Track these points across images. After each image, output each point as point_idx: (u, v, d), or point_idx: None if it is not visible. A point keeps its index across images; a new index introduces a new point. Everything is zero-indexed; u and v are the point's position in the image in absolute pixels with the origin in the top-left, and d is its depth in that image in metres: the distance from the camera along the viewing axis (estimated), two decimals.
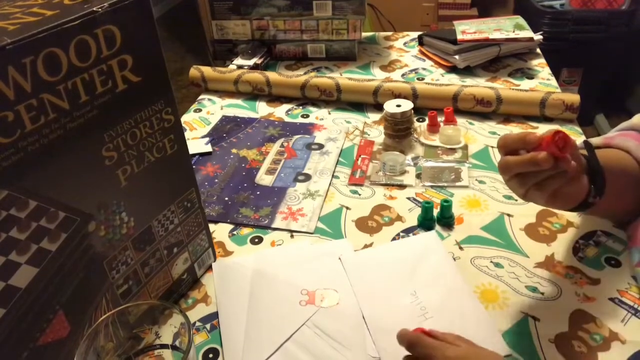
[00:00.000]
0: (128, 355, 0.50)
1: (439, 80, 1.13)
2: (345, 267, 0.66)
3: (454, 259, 0.67)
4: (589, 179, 0.56)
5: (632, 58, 2.20)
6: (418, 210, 0.76)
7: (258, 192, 0.82)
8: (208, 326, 0.61)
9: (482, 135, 0.93)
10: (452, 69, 1.17)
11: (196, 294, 0.66)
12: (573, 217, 0.72)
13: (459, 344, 0.49)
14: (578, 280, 0.63)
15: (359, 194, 0.81)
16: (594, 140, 0.68)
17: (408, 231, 0.73)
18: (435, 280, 0.64)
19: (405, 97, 0.98)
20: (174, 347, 0.50)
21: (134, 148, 0.52)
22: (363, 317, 0.60)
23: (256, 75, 1.11)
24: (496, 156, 0.87)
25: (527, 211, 0.74)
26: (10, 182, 0.40)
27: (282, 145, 0.95)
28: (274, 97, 1.12)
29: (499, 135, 0.93)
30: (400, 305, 0.61)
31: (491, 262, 0.67)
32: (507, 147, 0.54)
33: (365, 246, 0.71)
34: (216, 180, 0.86)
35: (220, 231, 0.75)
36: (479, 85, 1.03)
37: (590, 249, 0.67)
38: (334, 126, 1.00)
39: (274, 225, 0.75)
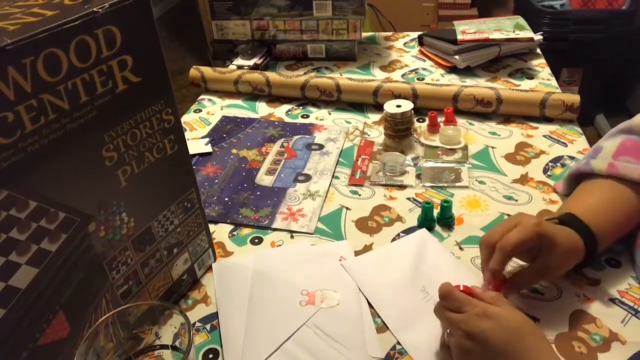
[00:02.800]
0: (128, 356, 0.50)
1: (439, 80, 1.13)
2: (350, 273, 0.66)
3: (455, 259, 0.67)
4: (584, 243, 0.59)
5: (632, 58, 2.20)
6: (418, 211, 0.76)
7: (258, 193, 0.82)
8: (208, 327, 0.61)
9: (482, 136, 0.93)
10: (452, 69, 1.17)
11: (196, 295, 0.66)
12: None
13: (496, 304, 0.51)
14: (578, 280, 0.63)
15: (359, 195, 0.81)
16: (598, 167, 0.66)
17: (408, 232, 0.73)
18: (439, 274, 0.65)
19: (405, 98, 0.98)
20: (174, 348, 0.50)
21: (134, 148, 0.52)
22: (362, 318, 0.60)
23: (256, 76, 1.11)
24: (497, 156, 0.87)
25: (527, 212, 0.74)
26: (11, 183, 0.40)
27: (282, 146, 0.95)
28: (274, 98, 1.12)
29: (499, 135, 0.93)
30: (414, 302, 0.62)
31: None
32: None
33: (365, 247, 0.71)
34: (216, 181, 0.86)
35: (220, 231, 0.75)
36: (479, 86, 1.03)
37: None
38: (334, 126, 1.00)
39: (274, 226, 0.75)
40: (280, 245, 0.72)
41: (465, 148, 0.89)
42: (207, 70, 1.15)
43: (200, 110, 1.09)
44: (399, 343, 0.57)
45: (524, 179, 0.81)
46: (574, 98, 0.94)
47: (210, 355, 0.58)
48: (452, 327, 0.51)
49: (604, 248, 0.63)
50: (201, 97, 1.15)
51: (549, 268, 0.58)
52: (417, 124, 0.96)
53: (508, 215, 0.74)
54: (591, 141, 0.84)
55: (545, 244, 0.56)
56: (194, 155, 0.92)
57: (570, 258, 0.58)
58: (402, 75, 1.17)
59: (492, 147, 0.89)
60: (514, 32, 1.15)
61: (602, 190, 0.65)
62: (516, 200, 0.77)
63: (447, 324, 0.52)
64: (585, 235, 0.59)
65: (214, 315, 0.63)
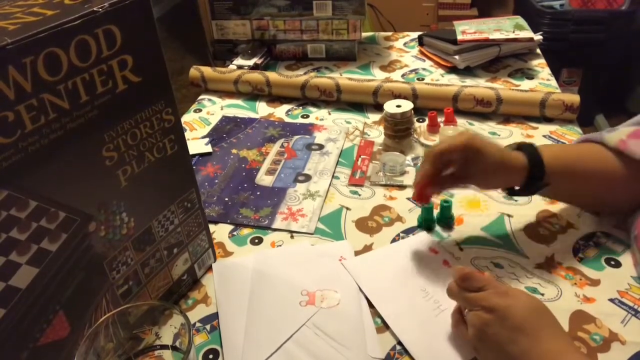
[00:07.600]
0: (128, 356, 0.50)
1: (439, 80, 1.13)
2: (350, 272, 0.66)
3: (455, 259, 0.67)
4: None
5: (632, 58, 2.20)
6: (418, 211, 0.76)
7: (258, 193, 0.82)
8: (208, 327, 0.61)
9: None
10: (452, 69, 1.17)
11: (196, 295, 0.66)
12: (573, 217, 0.72)
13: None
14: (578, 281, 0.63)
15: (359, 195, 0.81)
16: (609, 138, 0.66)
17: (408, 232, 0.73)
18: (439, 275, 0.65)
19: (405, 98, 0.98)
20: (174, 348, 0.50)
21: (134, 148, 0.52)
22: (362, 318, 0.60)
23: (256, 76, 1.10)
24: None
25: (527, 212, 0.74)
26: (11, 182, 0.40)
27: (282, 146, 0.94)
28: (274, 98, 1.12)
29: (499, 135, 0.93)
30: (415, 301, 0.62)
31: (491, 262, 0.67)
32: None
33: (365, 247, 0.71)
34: (216, 181, 0.86)
35: (220, 232, 0.75)
36: (479, 86, 1.03)
37: (590, 250, 0.67)
38: (334, 126, 1.00)
39: (274, 226, 0.75)
40: (280, 246, 0.72)
41: None
42: (207, 70, 1.15)
43: (200, 110, 1.09)
44: (399, 343, 0.57)
45: None
46: (574, 98, 0.94)
47: (210, 356, 0.58)
48: (472, 305, 0.52)
49: (552, 186, 0.64)
50: (201, 97, 1.15)
51: (470, 175, 0.63)
52: (417, 124, 0.96)
53: (508, 215, 0.74)
54: None
55: (470, 154, 0.60)
56: (194, 155, 0.92)
57: (499, 172, 0.62)
58: (402, 75, 1.17)
59: None
60: (513, 32, 1.15)
61: (583, 147, 0.68)
62: (516, 201, 0.77)
63: (467, 303, 0.54)
64: (534, 160, 0.62)
65: (214, 316, 0.63)
